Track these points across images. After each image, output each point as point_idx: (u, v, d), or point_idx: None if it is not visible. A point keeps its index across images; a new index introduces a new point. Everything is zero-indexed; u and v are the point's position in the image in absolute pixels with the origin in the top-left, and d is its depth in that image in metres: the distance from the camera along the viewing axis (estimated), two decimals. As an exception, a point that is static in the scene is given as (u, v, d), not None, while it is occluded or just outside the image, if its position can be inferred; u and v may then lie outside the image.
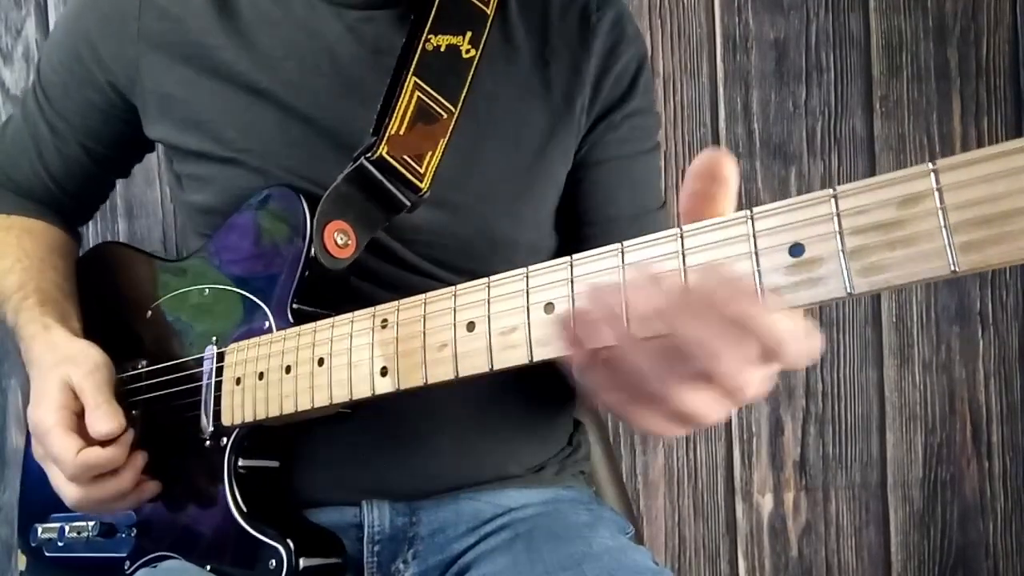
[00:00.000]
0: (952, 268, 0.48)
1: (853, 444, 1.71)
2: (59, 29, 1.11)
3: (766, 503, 1.70)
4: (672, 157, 1.69)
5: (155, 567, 0.95)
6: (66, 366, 0.94)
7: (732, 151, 1.69)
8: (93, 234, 1.62)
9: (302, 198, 0.92)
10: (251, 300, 0.94)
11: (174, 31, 1.00)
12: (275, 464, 0.94)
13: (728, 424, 1.70)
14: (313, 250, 0.90)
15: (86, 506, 0.94)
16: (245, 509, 0.90)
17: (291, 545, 0.86)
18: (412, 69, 0.95)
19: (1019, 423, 1.72)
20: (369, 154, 0.92)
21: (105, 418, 0.91)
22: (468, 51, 0.97)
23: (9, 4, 1.61)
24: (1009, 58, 1.71)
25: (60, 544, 1.06)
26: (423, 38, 0.96)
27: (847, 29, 1.70)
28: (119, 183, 1.61)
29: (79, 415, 0.93)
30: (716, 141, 1.70)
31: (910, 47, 1.71)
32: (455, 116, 0.95)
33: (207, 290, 0.99)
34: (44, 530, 1.08)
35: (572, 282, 0.63)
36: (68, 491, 0.93)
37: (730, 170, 0.57)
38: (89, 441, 0.91)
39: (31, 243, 1.11)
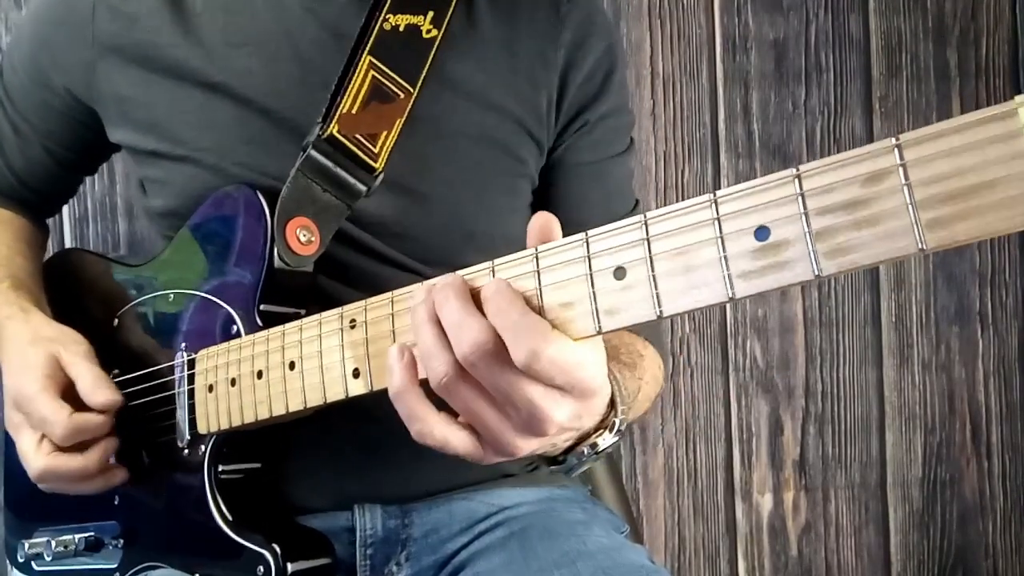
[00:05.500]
0: (920, 246, 0.47)
1: (852, 444, 1.71)
2: (20, 31, 1.10)
3: (766, 503, 1.70)
4: (672, 157, 1.69)
5: (145, 576, 0.96)
6: (52, 344, 0.95)
7: (732, 151, 1.69)
8: (94, 234, 1.63)
9: (260, 196, 0.91)
10: (217, 304, 0.93)
11: (127, 31, 0.99)
12: (257, 466, 0.93)
13: (728, 424, 1.70)
14: (276, 250, 0.89)
15: (50, 479, 0.93)
16: (230, 517, 0.88)
17: (278, 550, 0.84)
18: (368, 48, 0.94)
19: (1018, 423, 1.72)
20: (320, 134, 0.91)
21: (105, 390, 0.92)
22: (429, 31, 0.96)
23: (9, 4, 1.62)
24: (1008, 58, 1.71)
25: (48, 558, 1.05)
26: (381, 17, 0.95)
27: (847, 30, 1.71)
28: (120, 183, 1.63)
29: (63, 388, 0.93)
30: (716, 141, 1.70)
31: (909, 47, 1.71)
32: (413, 96, 0.94)
33: (172, 295, 0.98)
34: (31, 545, 1.07)
35: (539, 274, 0.63)
36: (37, 461, 0.92)
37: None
38: (76, 409, 0.91)
39: None
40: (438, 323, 0.63)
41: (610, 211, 1.06)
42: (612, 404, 0.72)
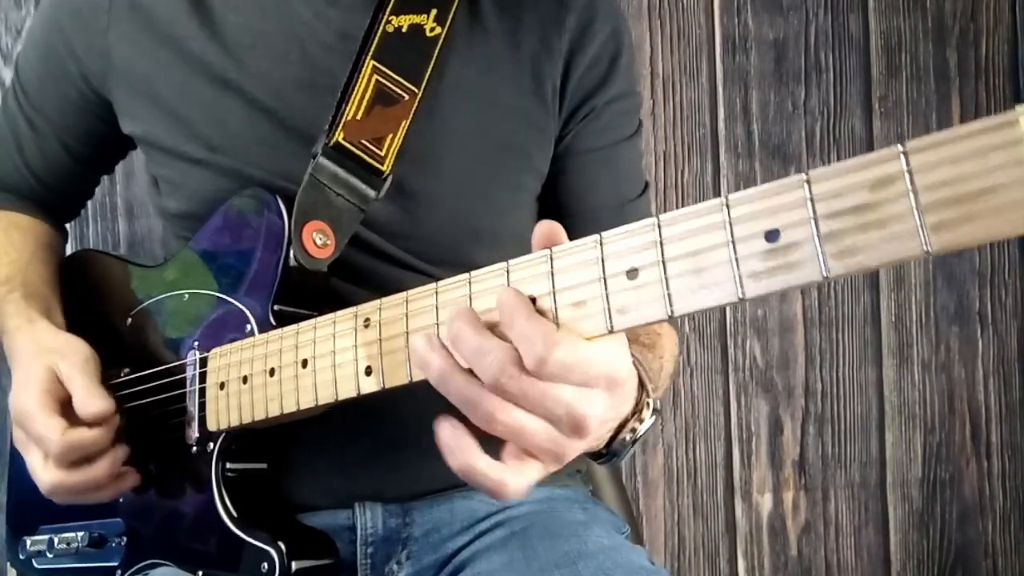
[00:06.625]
0: (924, 248, 0.48)
1: (852, 444, 1.71)
2: (35, 24, 1.11)
3: (765, 503, 1.70)
4: (672, 157, 1.70)
5: (147, 574, 0.95)
6: (52, 356, 0.94)
7: (732, 151, 1.69)
8: (94, 234, 1.63)
9: (279, 200, 0.92)
10: (232, 304, 0.93)
11: (144, 22, 1.00)
12: (263, 466, 0.94)
13: (728, 424, 1.70)
14: (293, 252, 0.90)
15: (61, 493, 0.93)
16: (235, 514, 0.89)
17: (283, 547, 0.85)
18: (371, 53, 0.94)
19: (1018, 422, 1.72)
20: (326, 142, 0.92)
21: (95, 400, 0.91)
22: (433, 29, 0.96)
23: (9, 4, 1.62)
24: (1008, 58, 1.71)
25: (50, 556, 1.05)
26: (384, 20, 0.95)
27: (846, 29, 1.71)
28: (120, 183, 1.63)
29: (62, 402, 0.92)
30: (715, 141, 1.70)
31: (909, 47, 1.71)
32: (418, 97, 0.95)
33: (187, 295, 0.99)
34: (33, 543, 1.07)
35: (553, 275, 0.63)
36: (45, 476, 0.92)
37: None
38: (74, 425, 0.91)
39: (19, 237, 1.11)
40: (461, 370, 0.64)
41: (620, 196, 1.07)
42: (642, 386, 0.73)
